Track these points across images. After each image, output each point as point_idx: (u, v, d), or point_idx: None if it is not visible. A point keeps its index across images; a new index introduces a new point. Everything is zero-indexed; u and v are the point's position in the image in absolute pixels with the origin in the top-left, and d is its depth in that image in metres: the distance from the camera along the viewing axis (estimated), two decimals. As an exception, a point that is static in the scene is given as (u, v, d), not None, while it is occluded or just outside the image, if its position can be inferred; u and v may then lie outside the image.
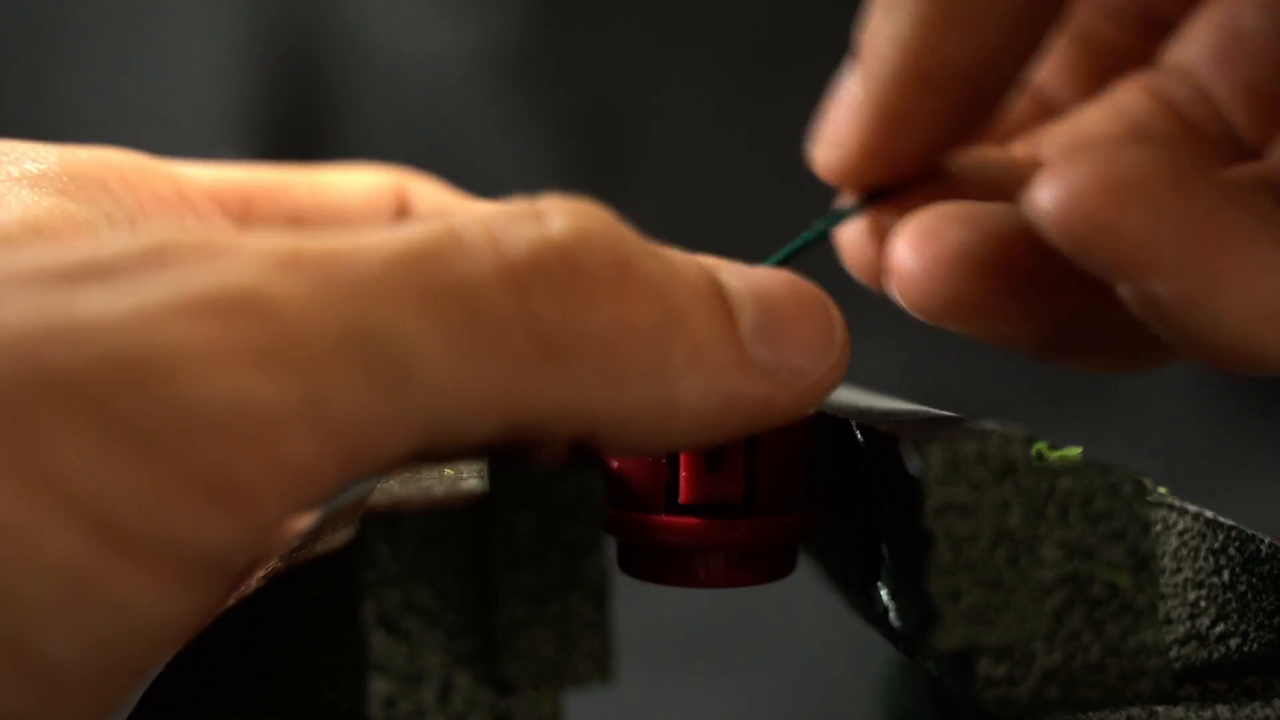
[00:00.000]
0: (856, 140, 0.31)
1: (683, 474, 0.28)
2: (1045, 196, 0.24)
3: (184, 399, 0.19)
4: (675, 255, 0.25)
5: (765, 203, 0.84)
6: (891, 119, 0.31)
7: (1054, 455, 0.27)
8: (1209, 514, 0.26)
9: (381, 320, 0.21)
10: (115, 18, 0.87)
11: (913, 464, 0.24)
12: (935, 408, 0.32)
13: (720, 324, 0.25)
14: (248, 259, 0.21)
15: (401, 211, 0.38)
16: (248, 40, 0.87)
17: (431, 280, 0.22)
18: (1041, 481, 0.24)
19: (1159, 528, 0.26)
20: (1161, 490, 0.28)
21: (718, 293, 0.25)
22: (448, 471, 0.28)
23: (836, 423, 0.29)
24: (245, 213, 0.35)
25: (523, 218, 0.24)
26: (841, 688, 0.66)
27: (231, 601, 0.26)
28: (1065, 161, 0.24)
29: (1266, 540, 0.26)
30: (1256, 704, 0.26)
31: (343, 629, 0.25)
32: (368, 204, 0.37)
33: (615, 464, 0.29)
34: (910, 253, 0.28)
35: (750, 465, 0.28)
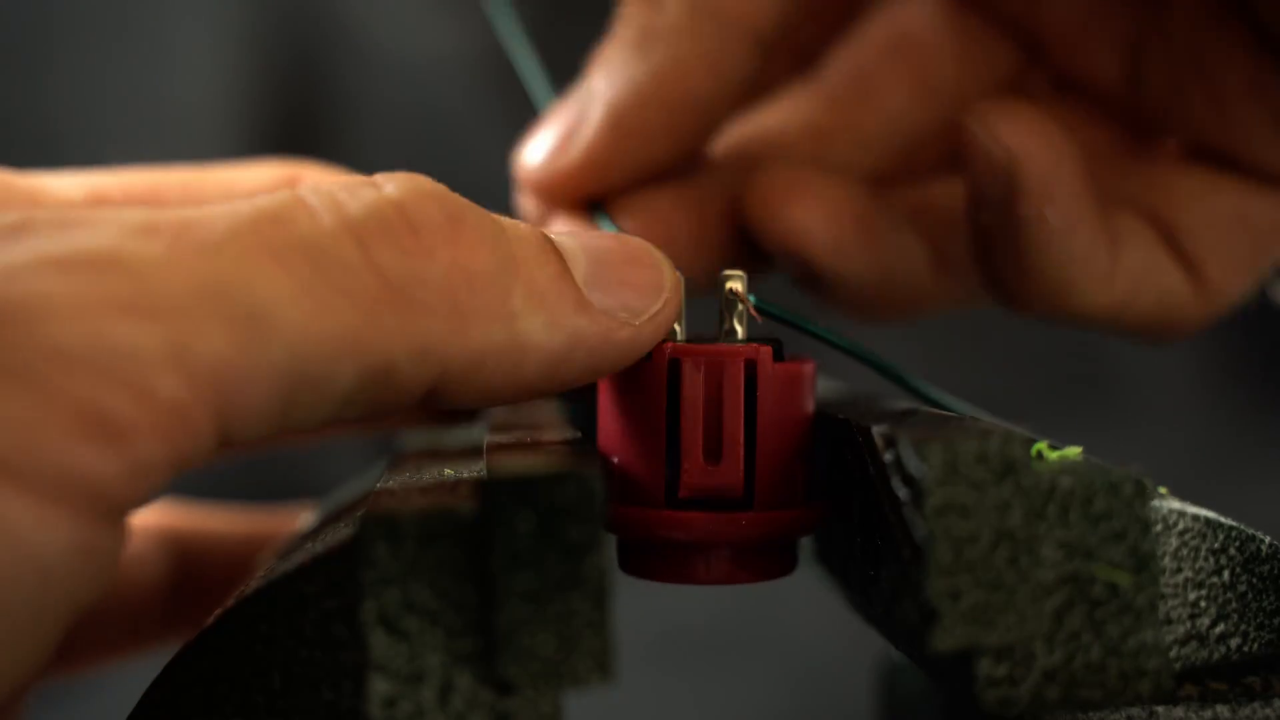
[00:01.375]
0: (584, 155, 0.35)
1: (683, 466, 0.28)
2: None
3: (54, 339, 0.21)
4: (504, 217, 0.27)
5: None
6: (627, 138, 0.35)
7: (1054, 455, 0.27)
8: (1209, 514, 0.26)
9: (235, 274, 0.23)
10: (115, 19, 0.87)
11: (913, 464, 0.24)
12: (935, 407, 0.32)
13: (556, 268, 0.27)
14: (106, 226, 0.23)
15: None
16: (248, 41, 0.87)
17: (280, 238, 0.23)
18: (1041, 481, 0.24)
19: (1159, 528, 0.26)
20: (1161, 490, 0.28)
21: (550, 243, 0.27)
22: (448, 471, 0.28)
23: (836, 423, 0.29)
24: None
25: (362, 184, 0.26)
26: (841, 688, 0.65)
27: (231, 601, 0.26)
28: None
29: (1266, 540, 0.26)
30: (1256, 704, 0.26)
31: (343, 629, 0.25)
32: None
33: (616, 460, 0.29)
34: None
35: (750, 459, 0.28)
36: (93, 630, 0.41)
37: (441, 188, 0.26)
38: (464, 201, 0.26)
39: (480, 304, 0.25)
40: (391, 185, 0.26)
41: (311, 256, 0.23)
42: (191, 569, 0.42)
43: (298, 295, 0.23)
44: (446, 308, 0.25)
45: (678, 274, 0.29)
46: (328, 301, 0.23)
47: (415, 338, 0.24)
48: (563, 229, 0.31)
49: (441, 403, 0.26)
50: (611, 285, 0.28)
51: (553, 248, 0.27)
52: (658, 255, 0.29)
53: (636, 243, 0.29)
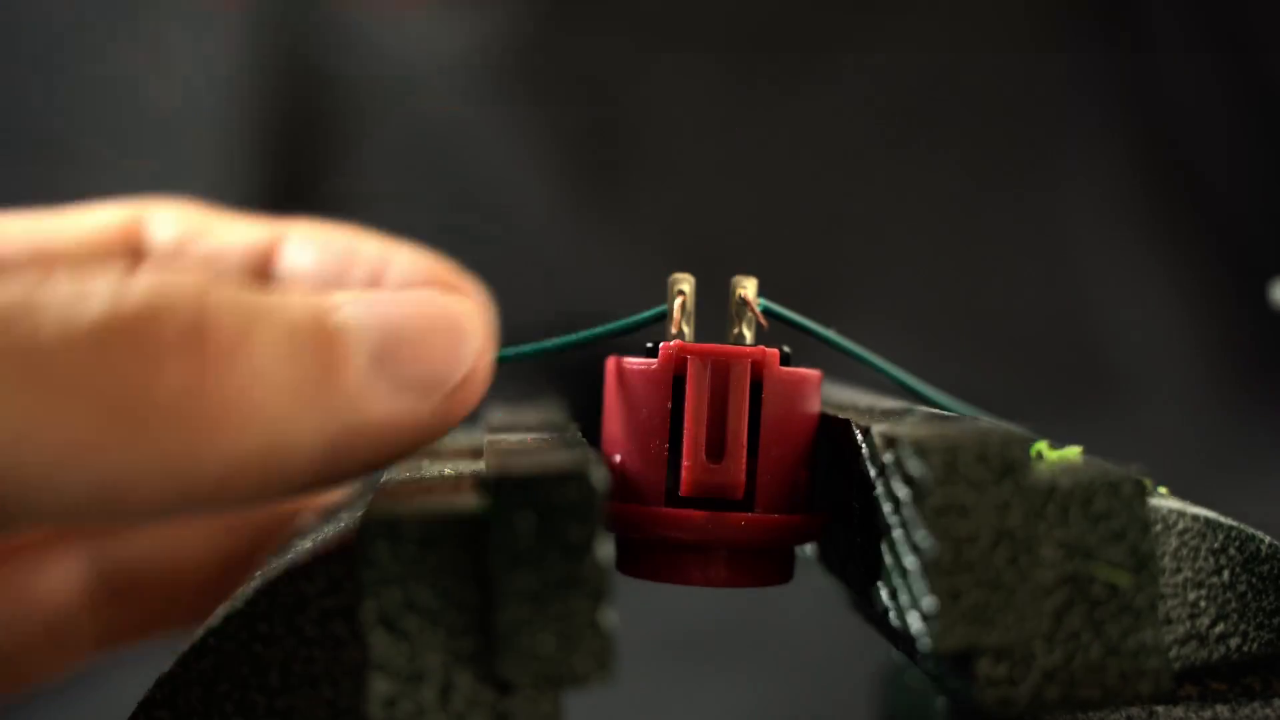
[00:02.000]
0: None
1: (685, 463, 0.28)
2: None
3: None
4: (281, 301, 0.26)
5: (766, 205, 0.84)
6: None
7: (1054, 455, 0.27)
8: (1209, 514, 0.26)
9: None
10: (117, 25, 0.87)
11: (913, 464, 0.24)
12: (936, 408, 0.32)
13: (326, 358, 0.25)
14: None
15: (133, 249, 0.39)
16: (250, 46, 0.87)
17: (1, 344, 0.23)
18: (1041, 481, 0.24)
19: (1159, 528, 0.26)
20: (1161, 490, 0.28)
21: (324, 328, 0.26)
22: (448, 471, 0.28)
23: (836, 423, 0.29)
24: None
25: (106, 284, 0.24)
26: (841, 688, 0.65)
27: (232, 600, 0.26)
28: None
29: (1266, 540, 0.26)
30: (1256, 704, 0.26)
31: (343, 628, 0.25)
32: (90, 244, 0.38)
33: (618, 458, 0.29)
34: None
35: (752, 460, 0.28)
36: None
37: (197, 287, 0.25)
38: (222, 299, 0.25)
39: (221, 416, 0.24)
40: (137, 288, 0.24)
41: (27, 366, 0.23)
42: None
43: (9, 404, 0.22)
44: (178, 423, 0.23)
45: (487, 339, 0.27)
46: (46, 414, 0.22)
47: (145, 453, 0.23)
48: (359, 292, 0.28)
49: (204, 509, 0.25)
50: (405, 363, 0.26)
51: (327, 333, 0.26)
52: (465, 320, 0.27)
53: (441, 307, 0.27)
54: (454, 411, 0.27)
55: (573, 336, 0.31)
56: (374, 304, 0.27)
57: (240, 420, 0.24)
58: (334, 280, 0.38)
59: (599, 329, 0.31)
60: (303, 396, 0.25)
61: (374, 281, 0.37)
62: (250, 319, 0.25)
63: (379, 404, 0.26)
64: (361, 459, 0.26)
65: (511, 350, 0.31)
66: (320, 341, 0.26)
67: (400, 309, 0.27)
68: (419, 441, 0.27)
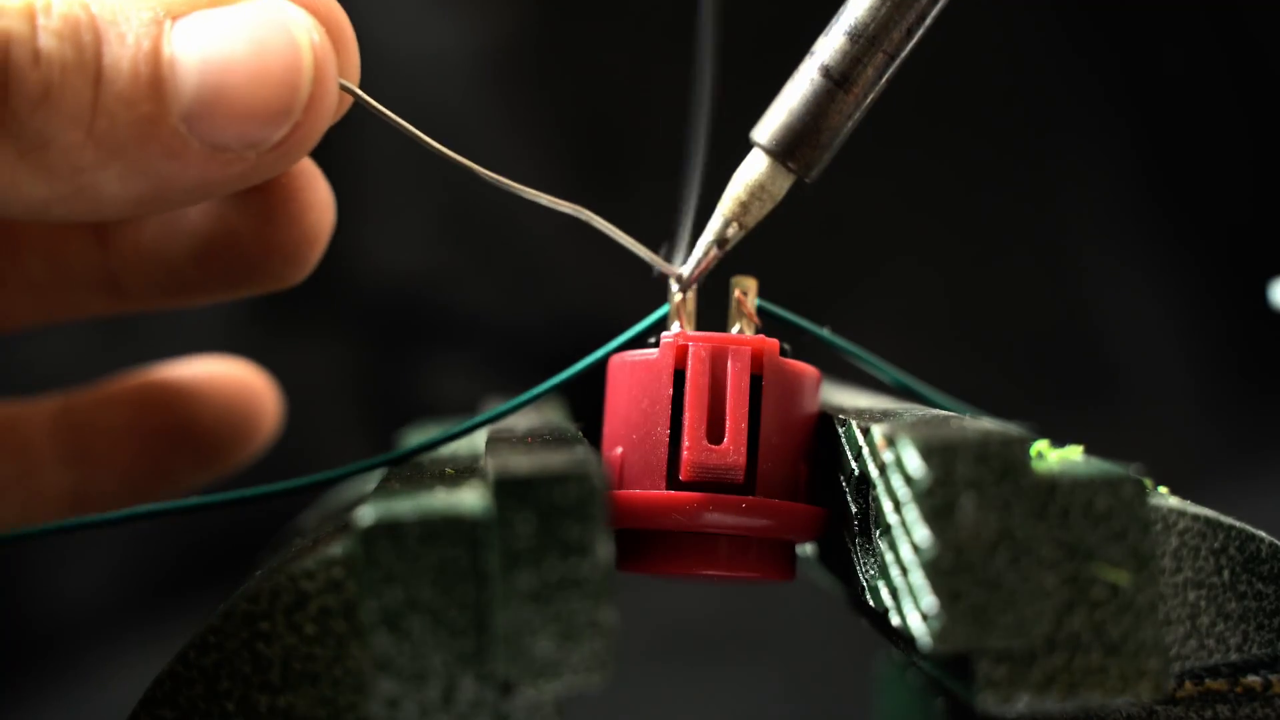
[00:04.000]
0: None
1: (685, 445, 0.28)
2: None
3: None
4: (113, 52, 0.25)
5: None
6: None
7: (1054, 455, 0.27)
8: (1209, 513, 0.26)
9: None
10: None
11: (913, 464, 0.24)
12: (936, 408, 0.32)
13: (145, 110, 0.25)
14: None
15: None
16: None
17: None
18: (1041, 481, 0.24)
19: (1159, 528, 0.26)
20: (1162, 490, 0.28)
21: (154, 77, 0.25)
22: (448, 471, 0.28)
23: (836, 422, 0.29)
24: None
25: None
26: (841, 688, 0.66)
27: (233, 599, 0.26)
28: None
29: (1266, 540, 0.27)
30: (1256, 704, 0.26)
31: (344, 627, 0.25)
32: None
33: (620, 450, 0.29)
34: None
35: (753, 445, 0.29)
36: None
37: (6, 33, 0.25)
38: (27, 51, 0.25)
39: (23, 160, 0.25)
40: None
41: None
42: None
43: None
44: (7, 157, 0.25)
45: (327, 82, 0.26)
46: None
47: None
48: (200, 20, 0.26)
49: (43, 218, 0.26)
50: (222, 117, 0.25)
51: (153, 82, 0.25)
52: (296, 64, 0.26)
53: (271, 49, 0.26)
54: (274, 166, 0.26)
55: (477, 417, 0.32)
56: (206, 36, 0.26)
57: (42, 167, 0.25)
58: None
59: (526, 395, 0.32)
60: (111, 151, 0.25)
61: None
62: (65, 70, 0.25)
63: (191, 165, 0.25)
64: (178, 202, 0.26)
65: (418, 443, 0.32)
66: (147, 89, 0.25)
67: (230, 47, 0.26)
68: (243, 184, 0.26)
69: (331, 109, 0.27)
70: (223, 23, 0.26)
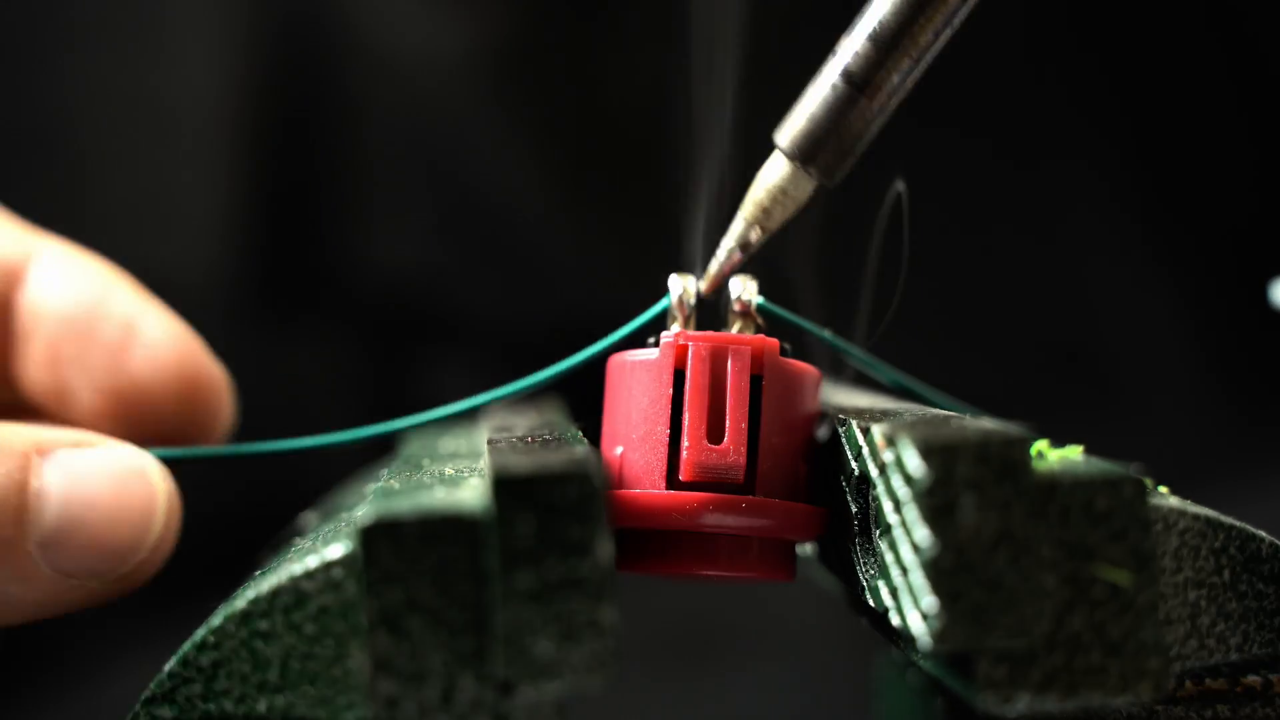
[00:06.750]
0: None
1: (685, 445, 0.28)
2: None
3: None
4: None
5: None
6: None
7: (1054, 455, 0.27)
8: (1209, 513, 0.26)
9: None
10: (114, 18, 0.86)
11: (913, 464, 0.24)
12: (936, 408, 0.32)
13: (7, 533, 0.27)
14: None
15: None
16: (246, 41, 0.87)
17: None
18: (1041, 481, 0.24)
19: (1159, 527, 0.26)
20: (1162, 490, 0.28)
21: (18, 503, 0.27)
22: (448, 471, 0.28)
23: (836, 422, 0.29)
24: None
25: None
26: (841, 688, 0.65)
27: (233, 598, 0.26)
28: None
29: (1266, 540, 0.27)
30: (1256, 704, 0.26)
31: (343, 627, 0.25)
32: None
33: (620, 450, 0.29)
34: None
35: (753, 446, 0.29)
36: None
37: None
38: None
39: None
40: None
41: None
42: None
43: None
44: None
45: (168, 525, 0.29)
46: None
47: None
48: (73, 455, 0.29)
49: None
50: (75, 548, 0.27)
51: (18, 509, 0.27)
52: (152, 507, 0.29)
53: (131, 492, 0.28)
54: (114, 594, 0.28)
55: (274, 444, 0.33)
56: (76, 470, 0.28)
57: None
58: (80, 333, 0.36)
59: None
60: None
61: (120, 348, 0.36)
62: None
63: (35, 588, 0.27)
64: (11, 619, 0.28)
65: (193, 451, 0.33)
66: (10, 513, 0.27)
67: (95, 488, 0.28)
68: (79, 608, 0.28)
69: (171, 547, 0.29)
70: (90, 462, 0.29)
